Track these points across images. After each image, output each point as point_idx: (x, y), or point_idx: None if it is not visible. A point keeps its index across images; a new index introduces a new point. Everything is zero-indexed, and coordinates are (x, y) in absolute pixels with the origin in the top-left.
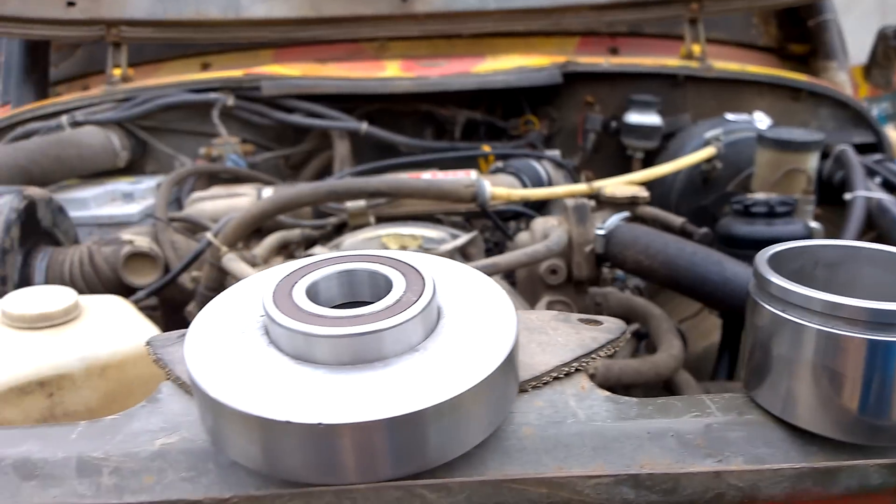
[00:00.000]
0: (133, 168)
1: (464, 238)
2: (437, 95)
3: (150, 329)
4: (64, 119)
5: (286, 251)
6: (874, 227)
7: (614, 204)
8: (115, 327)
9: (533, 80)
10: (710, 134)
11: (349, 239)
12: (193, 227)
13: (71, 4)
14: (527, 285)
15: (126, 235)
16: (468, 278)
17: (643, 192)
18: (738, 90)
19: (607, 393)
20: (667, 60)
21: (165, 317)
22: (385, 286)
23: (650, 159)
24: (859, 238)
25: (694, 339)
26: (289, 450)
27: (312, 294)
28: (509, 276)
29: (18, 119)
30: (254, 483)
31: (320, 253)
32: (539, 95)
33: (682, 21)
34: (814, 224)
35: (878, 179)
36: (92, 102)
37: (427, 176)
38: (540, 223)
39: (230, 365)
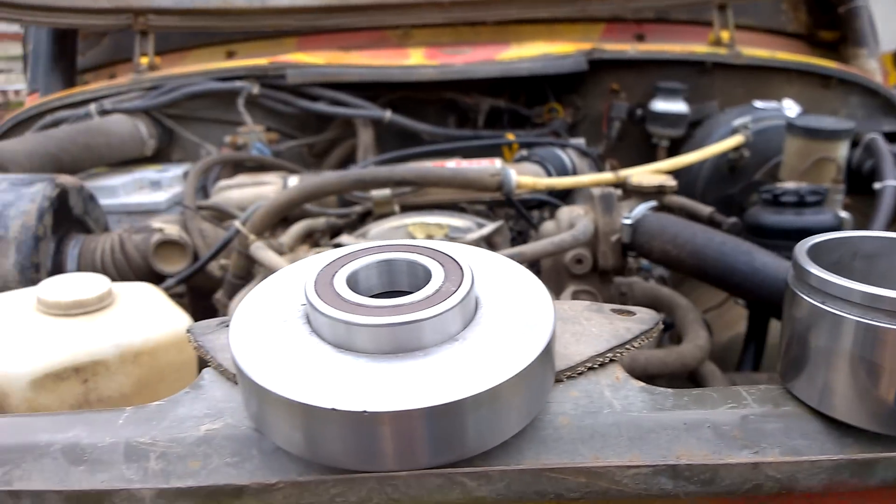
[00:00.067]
0: (159, 156)
1: (490, 227)
2: (461, 83)
3: (181, 316)
4: (92, 107)
5: (311, 239)
6: None
7: (641, 193)
8: (147, 314)
9: (558, 68)
10: (738, 122)
11: (375, 228)
12: (221, 215)
13: None
14: (551, 275)
15: (156, 223)
16: (504, 267)
17: (671, 181)
18: (767, 77)
19: (642, 384)
20: (694, 47)
21: (192, 304)
22: (424, 276)
23: (675, 148)
24: (888, 228)
25: (718, 330)
26: (331, 436)
27: (353, 283)
28: (533, 266)
29: (48, 107)
30: (296, 469)
31: (347, 241)
32: (564, 83)
33: (709, 7)
34: (843, 214)
35: None
36: (120, 91)
37: (451, 164)
38: (566, 212)
39: (274, 353)
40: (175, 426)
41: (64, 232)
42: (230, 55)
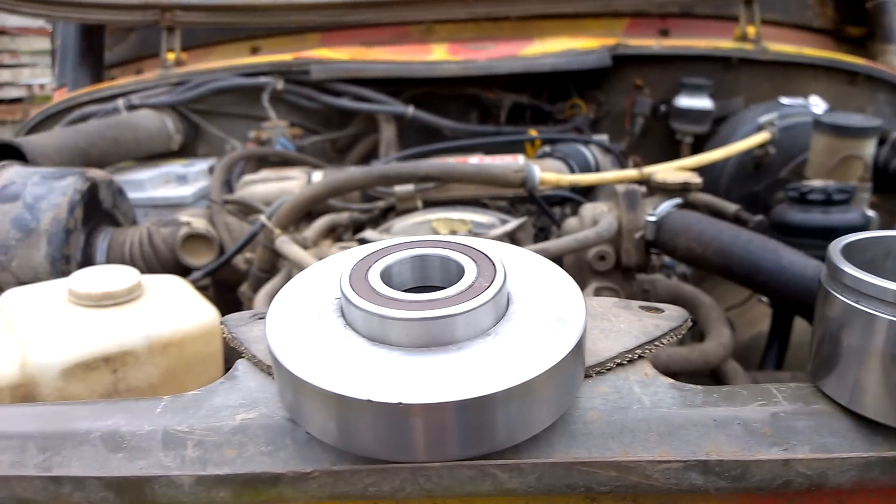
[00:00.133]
0: (185, 151)
1: (514, 223)
2: (484, 79)
3: (208, 309)
4: (120, 102)
5: (334, 234)
6: None
7: (665, 190)
8: (175, 306)
9: (582, 63)
10: (764, 118)
11: (399, 223)
12: (246, 210)
13: None
14: (574, 271)
15: (183, 217)
16: (534, 263)
17: (696, 179)
18: (793, 73)
19: (671, 380)
20: (719, 42)
21: (217, 296)
22: (456, 272)
23: (699, 144)
24: None
25: (741, 328)
26: (366, 427)
27: (386, 278)
28: (555, 262)
29: (76, 102)
30: (329, 458)
31: (371, 236)
32: (586, 79)
33: (734, 2)
34: (870, 212)
35: None
36: (147, 86)
37: (474, 160)
38: (589, 209)
39: (309, 345)
40: (211, 415)
41: (94, 225)
42: (255, 51)
